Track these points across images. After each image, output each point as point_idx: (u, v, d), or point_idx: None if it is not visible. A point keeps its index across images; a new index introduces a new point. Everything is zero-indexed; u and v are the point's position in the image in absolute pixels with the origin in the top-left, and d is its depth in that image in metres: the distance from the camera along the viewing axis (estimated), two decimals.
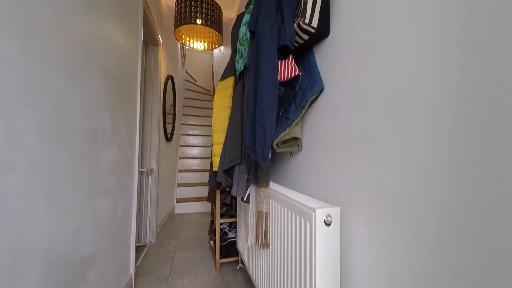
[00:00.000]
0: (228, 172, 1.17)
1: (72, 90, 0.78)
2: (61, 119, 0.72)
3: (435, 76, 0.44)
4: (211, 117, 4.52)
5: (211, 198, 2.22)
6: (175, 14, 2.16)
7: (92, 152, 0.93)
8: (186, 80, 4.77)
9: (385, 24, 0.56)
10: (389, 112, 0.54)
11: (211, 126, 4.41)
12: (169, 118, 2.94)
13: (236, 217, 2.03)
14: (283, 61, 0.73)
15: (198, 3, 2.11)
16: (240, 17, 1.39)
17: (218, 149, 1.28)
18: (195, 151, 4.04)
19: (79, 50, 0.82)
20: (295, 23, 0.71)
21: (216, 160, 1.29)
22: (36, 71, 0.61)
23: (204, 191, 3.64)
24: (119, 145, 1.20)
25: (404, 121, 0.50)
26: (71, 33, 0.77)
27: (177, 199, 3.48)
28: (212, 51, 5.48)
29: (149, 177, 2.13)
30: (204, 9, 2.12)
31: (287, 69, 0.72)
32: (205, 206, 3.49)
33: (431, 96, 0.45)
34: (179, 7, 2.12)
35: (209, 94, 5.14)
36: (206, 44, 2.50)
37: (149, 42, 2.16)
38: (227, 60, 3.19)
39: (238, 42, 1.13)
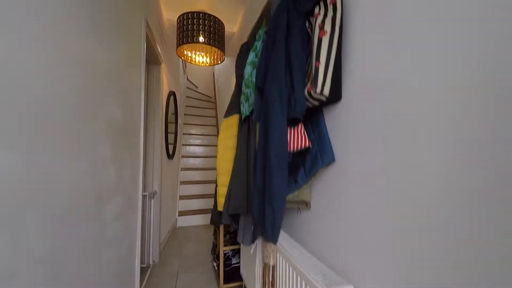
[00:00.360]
0: (234, 216, 1.13)
1: (78, 160, 0.74)
2: (65, 188, 0.68)
3: (453, 173, 0.40)
4: (213, 125, 4.49)
5: (214, 221, 2.19)
6: (177, 32, 2.10)
7: (96, 211, 0.89)
8: (187, 87, 4.71)
9: (401, 93, 0.51)
10: (402, 192, 0.50)
11: (212, 135, 4.36)
12: (171, 134, 2.89)
13: (240, 244, 1.99)
14: (293, 129, 0.69)
15: (201, 21, 2.05)
16: (244, 47, 1.34)
17: (223, 190, 1.24)
18: (197, 161, 4.00)
19: (85, 110, 0.77)
20: (306, 89, 0.67)
21: (221, 201, 1.25)
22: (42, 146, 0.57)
23: (206, 203, 3.61)
24: (123, 189, 1.16)
25: (414, 202, 0.46)
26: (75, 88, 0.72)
27: (179, 211, 3.45)
28: None
29: (152, 200, 2.09)
30: (206, 27, 2.06)
31: (297, 139, 0.68)
32: (207, 219, 3.46)
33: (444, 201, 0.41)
34: (180, 25, 2.06)
35: (211, 101, 5.09)
36: (208, 60, 2.45)
37: (151, 61, 2.11)
38: (229, 69, 3.14)
39: (244, 83, 1.08)
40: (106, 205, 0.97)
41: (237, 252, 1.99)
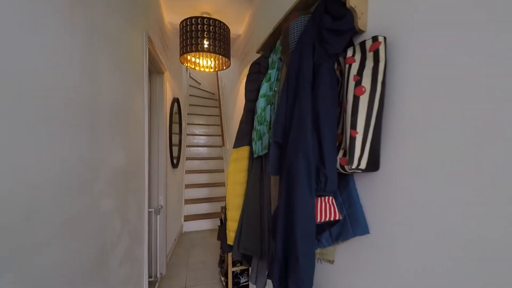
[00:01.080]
0: (246, 255, 1.05)
1: (84, 226, 0.65)
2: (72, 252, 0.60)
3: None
4: (217, 125, 4.37)
5: (221, 237, 2.14)
6: (180, 39, 1.95)
7: (101, 266, 0.81)
8: (190, 85, 4.56)
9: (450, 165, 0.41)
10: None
11: (217, 135, 4.26)
12: (175, 139, 2.80)
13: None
14: (320, 198, 0.58)
15: (205, 27, 1.90)
16: (255, 68, 1.20)
17: (233, 226, 1.15)
18: (202, 163, 3.93)
19: (86, 165, 0.68)
20: (338, 162, 0.56)
21: (231, 235, 1.17)
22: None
23: (212, 207, 3.57)
24: (128, 231, 1.09)
25: None
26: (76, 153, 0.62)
27: (184, 216, 3.42)
28: None
29: (158, 216, 2.04)
30: (211, 33, 1.91)
31: (325, 210, 0.58)
32: (213, 223, 3.43)
33: None
34: (184, 31, 1.91)
35: (214, 98, 4.94)
36: (213, 64, 2.31)
37: (154, 71, 1.98)
38: (234, 70, 2.98)
39: (256, 118, 0.96)
40: (110, 255, 0.90)
41: (245, 271, 1.95)
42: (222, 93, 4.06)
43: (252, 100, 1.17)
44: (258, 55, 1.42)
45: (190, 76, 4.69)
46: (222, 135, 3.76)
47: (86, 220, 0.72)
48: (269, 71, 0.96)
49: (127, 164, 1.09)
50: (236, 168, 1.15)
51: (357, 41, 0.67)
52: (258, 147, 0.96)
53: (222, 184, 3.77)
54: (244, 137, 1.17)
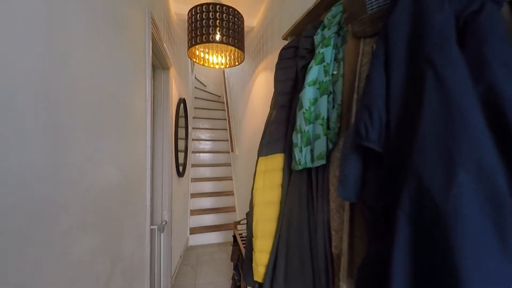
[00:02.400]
0: None
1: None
2: None
3: None
4: (225, 129, 4.10)
5: (235, 257, 1.84)
6: (188, 29, 1.70)
7: None
8: (195, 87, 4.31)
9: None
10: None
11: (224, 140, 3.99)
12: (181, 145, 2.53)
13: None
14: None
15: (217, 15, 1.64)
16: (289, 52, 0.93)
17: (263, 259, 0.86)
18: (208, 171, 3.64)
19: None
20: None
21: (260, 271, 0.88)
22: None
23: (220, 218, 3.27)
24: (123, 269, 0.80)
25: None
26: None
27: (190, 228, 3.12)
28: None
29: (162, 233, 1.75)
30: (224, 22, 1.65)
31: None
32: (222, 236, 3.13)
33: None
34: (193, 20, 1.65)
35: (220, 101, 4.68)
36: (225, 61, 2.04)
37: (158, 66, 1.72)
38: (243, 68, 2.71)
39: (300, 116, 0.68)
40: None
41: None
42: (230, 94, 3.80)
43: (286, 92, 0.89)
44: (282, 44, 1.15)
45: (195, 78, 4.45)
46: (230, 140, 3.46)
47: (42, 278, 0.44)
48: (320, 51, 0.68)
49: (123, 179, 0.81)
50: (266, 183, 0.86)
51: None
52: (306, 156, 0.67)
53: (230, 193, 3.47)
54: (275, 141, 0.88)
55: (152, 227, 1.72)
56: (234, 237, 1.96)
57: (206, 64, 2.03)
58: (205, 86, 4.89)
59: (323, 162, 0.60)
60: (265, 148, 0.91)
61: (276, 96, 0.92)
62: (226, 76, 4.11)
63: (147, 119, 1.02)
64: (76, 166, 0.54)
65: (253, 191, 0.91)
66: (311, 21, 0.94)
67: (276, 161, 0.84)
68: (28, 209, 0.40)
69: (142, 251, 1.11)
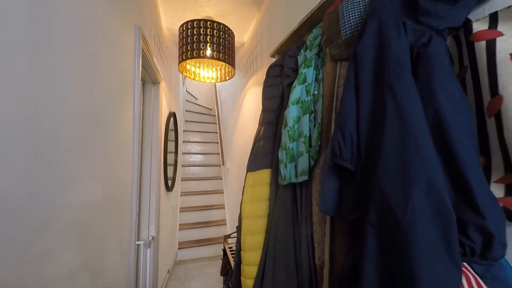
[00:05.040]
0: None
1: None
2: None
3: None
4: (216, 142, 4.11)
5: (224, 271, 1.81)
6: (179, 44, 1.75)
7: None
8: (186, 100, 4.34)
9: None
10: None
11: (215, 154, 3.99)
12: (170, 159, 2.52)
13: None
14: (468, 271, 0.33)
15: (208, 31, 1.70)
16: (275, 70, 0.98)
17: (251, 272, 0.87)
18: (199, 185, 3.60)
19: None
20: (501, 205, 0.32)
21: (249, 284, 0.88)
22: None
23: (210, 232, 3.21)
24: (104, 286, 0.78)
25: None
26: None
27: (179, 243, 3.04)
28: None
29: (148, 249, 1.70)
30: (215, 38, 1.71)
31: None
32: (212, 250, 3.06)
33: None
34: (184, 35, 1.71)
35: (212, 114, 4.72)
36: (215, 75, 2.10)
37: (148, 80, 1.75)
38: (235, 82, 2.77)
39: (286, 133, 0.71)
40: None
41: None
42: (221, 108, 3.84)
43: (273, 109, 0.93)
44: (270, 61, 1.21)
45: (186, 91, 4.49)
46: (221, 154, 3.47)
47: None
48: (303, 71, 0.73)
49: (107, 195, 0.80)
50: (254, 196, 0.88)
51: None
52: (290, 172, 0.70)
53: (221, 207, 3.44)
54: (262, 157, 0.91)
55: (138, 242, 1.68)
56: (224, 250, 1.93)
57: (197, 78, 2.07)
58: (196, 99, 4.93)
59: (306, 178, 0.63)
60: (254, 163, 0.94)
61: (264, 112, 0.95)
62: (217, 90, 4.17)
63: (135, 134, 1.03)
64: (57, 184, 0.54)
65: (242, 204, 0.93)
66: (295, 41, 1.00)
67: (264, 176, 0.86)
68: (4, 229, 0.40)
69: (127, 267, 1.08)
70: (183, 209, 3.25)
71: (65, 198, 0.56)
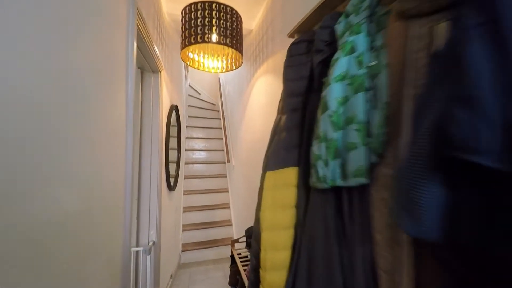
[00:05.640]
0: None
1: None
2: None
3: None
4: (220, 138, 3.93)
5: (233, 281, 1.64)
6: (181, 29, 1.56)
7: None
8: (189, 95, 4.16)
9: None
10: None
11: (219, 150, 3.81)
12: (172, 156, 2.35)
13: None
14: None
15: (214, 13, 1.51)
16: (300, 47, 0.79)
17: (277, 278, 0.70)
18: (203, 184, 3.44)
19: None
20: None
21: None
22: None
23: (215, 233, 3.04)
24: None
25: None
26: None
27: (183, 245, 2.88)
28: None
29: (148, 256, 1.54)
30: (221, 21, 1.53)
31: None
32: (217, 252, 2.90)
33: None
34: (187, 19, 1.52)
35: (215, 109, 4.53)
36: (221, 65, 1.91)
37: (147, 68, 1.57)
38: (241, 73, 2.59)
39: (328, 120, 0.53)
40: None
41: None
42: (226, 102, 3.66)
43: (298, 93, 0.74)
44: (284, 45, 1.01)
45: (189, 85, 4.31)
46: (226, 150, 3.29)
47: None
48: (348, 39, 0.54)
49: (90, 200, 0.63)
50: (277, 202, 0.70)
51: None
52: (334, 172, 0.52)
53: (226, 206, 3.27)
54: (286, 152, 0.73)
55: (137, 249, 1.52)
56: (232, 257, 1.76)
57: (201, 68, 1.89)
58: (200, 94, 4.75)
59: (363, 180, 0.45)
60: (273, 160, 0.75)
61: (286, 98, 0.77)
62: (221, 83, 3.99)
63: (128, 127, 0.85)
64: (21, 191, 0.37)
65: (260, 212, 0.75)
66: (323, 15, 0.81)
67: (289, 176, 0.68)
68: None
69: (121, 280, 0.91)
70: (186, 209, 3.09)
71: (32, 208, 0.39)
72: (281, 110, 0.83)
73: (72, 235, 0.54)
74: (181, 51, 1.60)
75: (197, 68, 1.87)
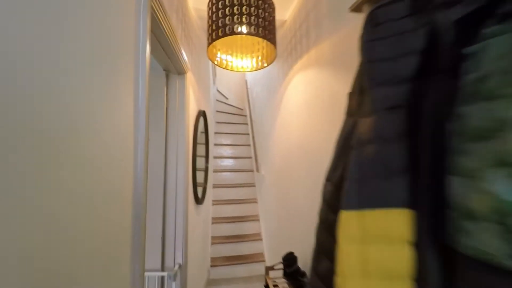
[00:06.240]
0: None
1: None
2: None
3: None
4: (247, 145, 3.72)
5: None
6: (208, 22, 1.37)
7: None
8: (216, 100, 4.04)
9: None
10: None
11: (247, 158, 3.60)
12: (200, 164, 2.17)
13: None
14: None
15: (243, 1, 1.30)
16: (392, 11, 0.50)
17: None
18: (231, 193, 3.24)
19: None
20: None
21: None
22: None
23: (243, 248, 2.80)
24: None
25: None
26: None
27: (211, 258, 2.69)
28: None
29: (174, 283, 1.34)
30: (252, 8, 1.30)
31: None
32: (247, 269, 2.65)
33: None
34: (214, 10, 1.32)
35: (243, 114, 4.35)
36: (252, 62, 1.68)
37: (171, 69, 1.40)
38: (269, 73, 2.35)
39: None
40: None
41: None
42: (253, 106, 3.45)
43: (401, 80, 0.45)
44: (332, 31, 0.72)
45: (217, 90, 4.20)
46: (255, 159, 3.04)
47: None
48: None
49: (99, 223, 0.41)
50: (372, 267, 0.41)
51: None
52: None
53: (255, 218, 3.02)
54: (382, 180, 0.44)
55: (161, 273, 1.33)
56: (266, 287, 1.49)
57: (229, 68, 1.68)
58: (227, 98, 4.62)
59: None
60: (357, 192, 0.46)
61: (373, 88, 0.48)
62: (248, 86, 3.79)
63: (139, 136, 0.63)
64: None
65: (339, 279, 0.47)
66: None
67: (394, 223, 0.39)
68: None
69: None
70: (214, 220, 2.91)
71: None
72: (356, 110, 0.54)
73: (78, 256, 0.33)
74: (207, 47, 1.40)
75: (225, 68, 1.67)
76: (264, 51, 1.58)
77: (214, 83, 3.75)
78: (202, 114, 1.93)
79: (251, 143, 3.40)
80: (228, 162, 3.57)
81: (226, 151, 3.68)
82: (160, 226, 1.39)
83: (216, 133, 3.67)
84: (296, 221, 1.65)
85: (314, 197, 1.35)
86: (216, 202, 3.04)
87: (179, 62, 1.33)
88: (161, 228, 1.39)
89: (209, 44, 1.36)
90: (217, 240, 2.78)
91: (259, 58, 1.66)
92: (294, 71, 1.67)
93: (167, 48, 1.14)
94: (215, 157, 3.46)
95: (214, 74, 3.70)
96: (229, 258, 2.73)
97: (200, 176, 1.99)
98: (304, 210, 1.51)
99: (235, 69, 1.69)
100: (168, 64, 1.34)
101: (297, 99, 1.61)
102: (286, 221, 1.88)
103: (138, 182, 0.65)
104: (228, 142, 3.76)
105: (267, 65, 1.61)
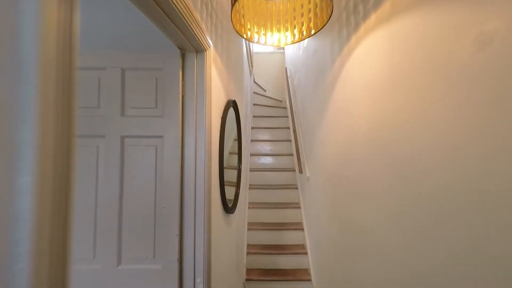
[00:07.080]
0: None
1: None
2: None
3: None
4: (288, 141, 3.27)
5: None
6: None
7: None
8: (254, 92, 3.70)
9: None
10: None
11: (288, 155, 3.17)
12: (232, 160, 1.85)
13: None
14: None
15: None
16: None
17: None
18: (270, 195, 2.87)
19: None
20: None
21: None
22: None
23: (284, 262, 2.41)
24: None
25: None
26: None
27: (247, 269, 2.39)
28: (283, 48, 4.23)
29: None
30: None
31: None
32: (289, 285, 2.26)
33: None
34: None
35: (282, 106, 3.91)
36: (294, 32, 1.26)
37: (187, 47, 1.08)
38: (312, 53, 1.87)
39: None
40: None
41: None
42: (295, 96, 2.98)
43: None
44: None
45: (254, 81, 3.85)
46: (297, 157, 2.58)
47: None
48: None
49: None
50: None
51: None
52: None
53: (298, 227, 2.58)
54: None
55: None
56: None
57: (262, 42, 1.29)
58: (265, 90, 4.23)
59: None
60: None
61: None
62: (288, 74, 3.33)
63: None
64: None
65: None
66: None
67: None
68: None
69: None
70: (249, 225, 2.58)
71: None
72: None
73: None
74: (231, 12, 1.03)
75: (257, 42, 1.27)
76: (316, 11, 1.13)
77: (251, 74, 3.40)
78: (232, 104, 1.58)
79: (292, 138, 2.96)
80: (266, 160, 3.20)
81: (264, 147, 3.32)
82: (175, 246, 1.10)
83: (252, 128, 3.34)
84: (362, 249, 1.19)
85: (401, 222, 0.87)
86: (253, 205, 2.72)
87: (193, 34, 0.98)
88: (177, 248, 1.10)
89: (233, 4, 0.99)
90: (252, 249, 2.45)
91: (303, 25, 1.22)
92: (362, 32, 1.18)
93: (175, 17, 0.80)
94: (252, 155, 3.13)
95: (251, 63, 3.34)
96: (267, 272, 2.38)
97: (232, 170, 1.66)
98: (378, 237, 1.04)
99: (270, 44, 1.28)
100: (182, 40, 1.01)
101: (368, 70, 1.12)
102: (344, 242, 1.42)
103: None
104: (266, 137, 3.38)
105: (314, 33, 1.16)
